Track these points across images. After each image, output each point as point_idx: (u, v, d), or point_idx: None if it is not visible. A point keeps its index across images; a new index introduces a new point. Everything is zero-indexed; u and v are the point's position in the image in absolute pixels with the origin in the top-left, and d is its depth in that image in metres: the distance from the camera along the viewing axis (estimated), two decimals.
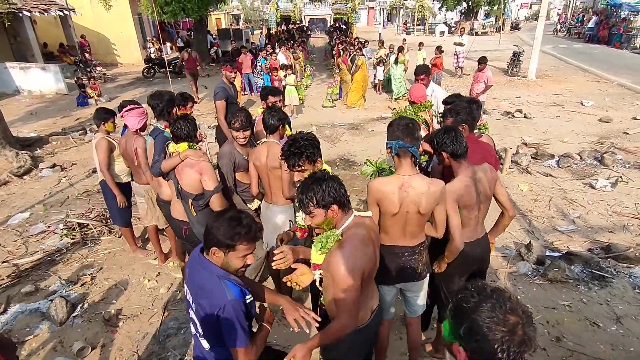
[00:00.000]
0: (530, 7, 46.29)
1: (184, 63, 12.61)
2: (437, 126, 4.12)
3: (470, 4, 29.63)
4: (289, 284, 2.08)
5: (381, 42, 14.60)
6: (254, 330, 1.95)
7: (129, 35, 19.91)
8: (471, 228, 2.48)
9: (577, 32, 27.13)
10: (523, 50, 14.82)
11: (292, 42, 16.51)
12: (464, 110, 2.82)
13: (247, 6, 47.81)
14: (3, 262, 4.42)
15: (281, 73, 10.52)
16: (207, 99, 12.07)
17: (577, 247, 4.36)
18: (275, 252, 2.12)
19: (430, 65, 9.11)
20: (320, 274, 1.94)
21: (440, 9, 34.87)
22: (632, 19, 21.88)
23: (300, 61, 13.93)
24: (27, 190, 6.37)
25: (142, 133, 3.72)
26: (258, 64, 12.15)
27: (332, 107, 11.09)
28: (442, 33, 30.48)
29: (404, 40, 14.55)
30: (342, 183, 1.87)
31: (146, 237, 4.88)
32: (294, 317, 1.90)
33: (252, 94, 12.51)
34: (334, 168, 6.80)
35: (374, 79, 12.75)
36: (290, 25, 28.58)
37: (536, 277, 3.89)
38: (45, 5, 14.70)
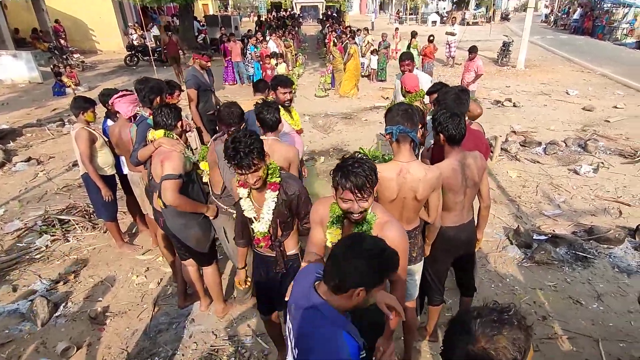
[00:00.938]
0: None
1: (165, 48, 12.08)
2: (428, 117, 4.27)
3: None
4: None
5: (366, 30, 14.51)
6: None
7: (109, 21, 18.72)
8: (457, 212, 2.51)
9: (562, 24, 27.65)
10: (512, 41, 15.01)
11: (283, 29, 16.22)
12: (450, 98, 2.86)
13: None
14: None
15: (272, 61, 10.38)
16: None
17: (562, 231, 4.56)
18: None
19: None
20: None
21: None
22: (614, 11, 22.27)
23: (291, 49, 13.76)
24: (0, 186, 6.03)
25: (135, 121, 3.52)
26: (248, 52, 11.89)
27: (325, 97, 11.05)
28: (434, 22, 30.32)
29: (397, 29, 14.59)
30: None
31: (133, 231, 4.77)
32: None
33: (243, 84, 12.25)
34: (327, 157, 6.82)
35: (365, 68, 12.69)
36: (281, 13, 28.07)
37: (524, 260, 4.07)
38: None
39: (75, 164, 6.31)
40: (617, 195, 5.37)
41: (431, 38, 11.55)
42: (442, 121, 2.36)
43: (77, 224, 4.79)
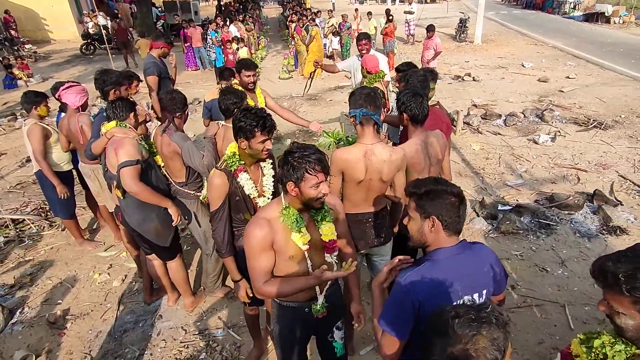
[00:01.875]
0: None
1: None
2: (392, 95, 4.22)
3: None
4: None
5: (330, 12, 14.66)
6: None
7: (62, 9, 18.29)
8: None
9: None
10: (469, 17, 15.27)
11: (244, 14, 16.08)
12: (417, 78, 2.88)
13: None
14: None
15: (234, 46, 10.28)
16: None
17: (525, 200, 4.66)
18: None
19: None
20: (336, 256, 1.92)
21: None
22: None
23: (253, 33, 13.63)
24: None
25: (84, 112, 3.50)
26: (209, 37, 11.71)
27: (289, 79, 11.08)
28: (393, 1, 30.71)
29: (356, 10, 14.56)
30: None
31: (94, 227, 4.61)
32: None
33: (205, 69, 12.09)
34: (293, 139, 6.75)
35: (327, 48, 12.77)
36: None
37: (490, 231, 4.14)
38: None
39: (28, 160, 5.96)
40: (575, 162, 5.55)
41: (390, 17, 11.58)
42: (405, 101, 2.39)
43: (32, 223, 4.54)
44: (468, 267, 1.49)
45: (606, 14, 17.98)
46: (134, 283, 3.70)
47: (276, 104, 3.95)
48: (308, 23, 11.32)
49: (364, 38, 4.66)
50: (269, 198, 2.33)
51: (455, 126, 6.56)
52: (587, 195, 4.58)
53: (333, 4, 25.46)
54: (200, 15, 19.99)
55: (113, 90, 3.26)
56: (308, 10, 14.89)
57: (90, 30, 15.95)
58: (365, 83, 3.95)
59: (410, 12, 14.34)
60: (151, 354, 2.97)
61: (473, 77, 9.87)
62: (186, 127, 3.19)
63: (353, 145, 2.34)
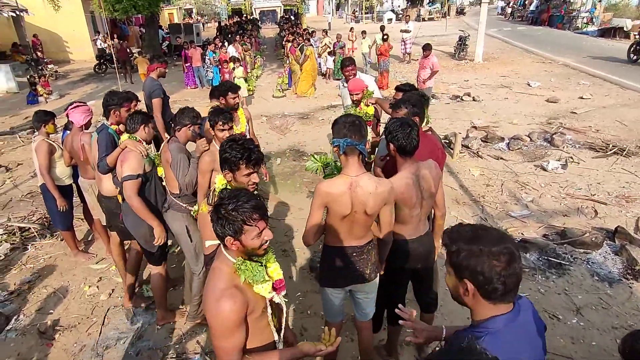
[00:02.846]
0: None
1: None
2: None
3: None
4: None
5: (325, 31, 14.76)
6: None
7: (81, 33, 20.70)
8: (413, 225, 2.46)
9: (520, 15, 28.62)
10: (469, 35, 15.06)
11: (241, 34, 16.69)
12: (419, 102, 2.80)
13: (200, 0, 46.94)
14: None
15: (231, 65, 10.55)
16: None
17: (532, 234, 4.19)
18: None
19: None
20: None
21: None
22: (572, 0, 22.83)
23: (249, 53, 14.15)
24: None
25: (87, 130, 3.79)
26: (207, 57, 12.47)
27: (283, 97, 11.10)
28: (389, 20, 30.96)
29: (352, 29, 14.53)
30: None
31: (89, 239, 4.77)
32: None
33: (203, 87, 12.67)
34: (283, 159, 6.59)
35: (321, 67, 13.01)
36: (240, 19, 28.68)
37: None
38: None
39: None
40: (591, 192, 5.02)
41: (385, 37, 11.43)
42: (392, 130, 2.28)
43: (36, 232, 4.78)
44: (530, 331, 1.29)
45: (625, 29, 17.37)
46: (119, 298, 3.74)
47: (251, 127, 4.24)
48: (303, 43, 11.51)
49: (349, 64, 4.51)
50: None
51: (453, 149, 6.11)
52: (606, 232, 4.10)
53: (329, 23, 26.03)
54: (202, 37, 21.51)
55: (113, 111, 3.52)
56: (304, 31, 15.31)
57: (104, 49, 17.72)
58: (353, 110, 3.92)
59: (406, 31, 14.29)
60: None
61: (473, 97, 9.45)
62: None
63: (337, 177, 2.26)
